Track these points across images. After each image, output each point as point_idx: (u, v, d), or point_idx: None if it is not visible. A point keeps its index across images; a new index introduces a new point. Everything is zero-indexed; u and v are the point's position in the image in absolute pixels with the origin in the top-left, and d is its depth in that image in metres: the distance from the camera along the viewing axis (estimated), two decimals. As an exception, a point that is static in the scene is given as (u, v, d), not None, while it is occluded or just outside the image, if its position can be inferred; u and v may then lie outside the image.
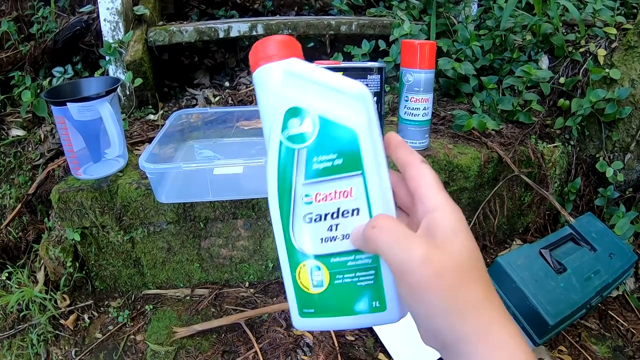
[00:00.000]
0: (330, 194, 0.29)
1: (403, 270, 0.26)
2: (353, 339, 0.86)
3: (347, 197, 0.29)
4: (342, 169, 0.29)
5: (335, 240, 0.30)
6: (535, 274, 0.88)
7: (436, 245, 0.26)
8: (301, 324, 0.32)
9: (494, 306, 0.26)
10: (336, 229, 0.30)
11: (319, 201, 0.30)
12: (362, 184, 0.29)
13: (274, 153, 0.30)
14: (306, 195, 0.30)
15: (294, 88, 0.29)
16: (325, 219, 0.30)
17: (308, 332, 0.87)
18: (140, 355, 0.87)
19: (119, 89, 1.04)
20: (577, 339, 0.99)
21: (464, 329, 0.25)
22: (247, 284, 0.95)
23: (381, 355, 0.84)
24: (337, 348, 0.84)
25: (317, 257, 0.30)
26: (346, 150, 0.29)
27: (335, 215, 0.30)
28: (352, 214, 0.30)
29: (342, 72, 0.82)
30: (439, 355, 0.91)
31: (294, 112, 0.29)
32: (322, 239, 0.30)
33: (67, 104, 0.82)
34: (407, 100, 0.89)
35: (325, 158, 0.29)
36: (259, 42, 0.31)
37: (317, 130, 0.29)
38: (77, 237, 0.90)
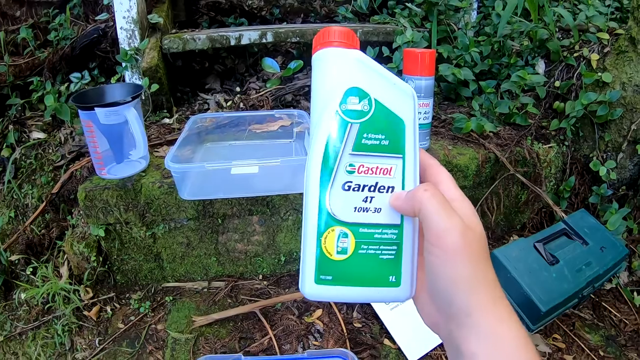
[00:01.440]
0: (372, 168, 0.34)
1: (442, 234, 0.29)
2: (360, 325, 0.97)
3: (386, 174, 0.34)
4: (387, 149, 0.34)
5: (367, 211, 0.34)
6: (530, 266, 0.99)
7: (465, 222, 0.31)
8: (314, 291, 0.34)
9: (499, 286, 0.31)
10: (370, 202, 0.34)
11: (361, 173, 0.34)
12: (401, 166, 0.34)
13: (327, 121, 0.33)
14: (350, 165, 0.33)
15: (360, 72, 0.34)
16: (362, 190, 0.34)
17: (317, 302, 0.97)
18: (162, 342, 0.98)
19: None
20: (571, 327, 1.10)
21: (477, 298, 0.29)
22: (260, 276, 1.05)
23: (386, 341, 0.95)
24: (346, 334, 0.94)
25: (348, 224, 0.34)
26: (393, 134, 0.34)
27: (372, 189, 0.34)
28: (387, 191, 0.34)
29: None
30: (439, 341, 1.02)
31: (354, 91, 0.34)
32: (355, 208, 0.34)
33: (95, 108, 0.93)
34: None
35: (374, 136, 0.34)
36: (330, 28, 0.36)
37: (372, 112, 0.34)
38: (102, 233, 1.00)
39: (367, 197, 0.34)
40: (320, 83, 0.35)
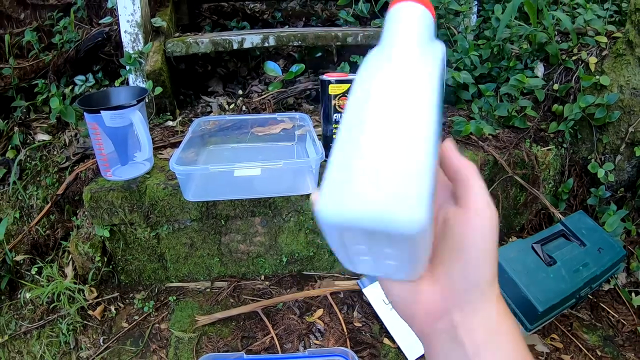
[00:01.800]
0: None
1: (486, 205, 0.30)
2: (360, 325, 0.99)
3: None
4: None
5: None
6: (527, 266, 1.01)
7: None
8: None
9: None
10: None
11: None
12: None
13: (437, 62, 0.29)
14: None
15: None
16: None
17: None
18: (165, 341, 1.00)
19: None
20: (569, 328, 1.12)
21: (495, 282, 0.30)
22: (262, 277, 1.08)
23: (386, 340, 0.97)
24: (346, 333, 0.96)
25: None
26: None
27: None
28: None
29: (349, 84, 0.96)
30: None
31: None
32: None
33: (101, 111, 0.96)
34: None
35: None
36: None
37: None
38: (107, 234, 1.03)
39: None
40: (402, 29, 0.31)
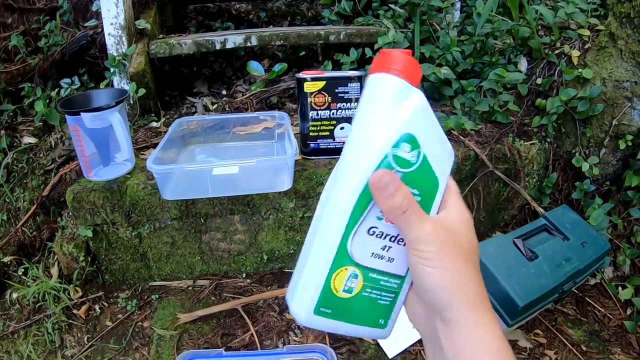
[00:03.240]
0: None
1: (417, 240, 0.32)
2: (340, 321, 1.01)
3: None
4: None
5: (382, 259, 0.35)
6: (507, 261, 1.03)
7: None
8: (312, 321, 0.35)
9: (483, 288, 0.33)
10: (387, 251, 0.35)
11: (389, 221, 0.34)
12: None
13: (374, 161, 0.32)
14: (381, 212, 0.33)
15: (419, 121, 0.33)
16: (384, 238, 0.34)
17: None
18: (147, 339, 1.03)
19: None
20: (554, 323, 1.13)
21: (458, 300, 0.32)
22: (244, 274, 1.10)
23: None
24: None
25: (362, 267, 0.35)
26: (427, 192, 0.34)
27: (393, 239, 0.35)
28: (404, 245, 0.35)
29: (325, 82, 0.98)
30: (417, 338, 1.07)
31: (409, 139, 0.32)
32: (373, 253, 0.35)
33: (81, 113, 0.99)
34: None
35: (412, 190, 0.33)
36: (394, 52, 0.34)
37: (418, 165, 0.33)
38: (90, 234, 1.06)
39: (385, 246, 0.35)
40: (375, 115, 0.33)
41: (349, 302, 0.35)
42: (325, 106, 0.98)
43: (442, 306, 0.32)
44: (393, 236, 0.34)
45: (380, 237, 0.34)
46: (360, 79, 0.98)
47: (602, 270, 1.24)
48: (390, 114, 0.33)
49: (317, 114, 0.99)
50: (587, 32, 1.27)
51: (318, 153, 1.04)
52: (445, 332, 0.32)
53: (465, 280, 0.32)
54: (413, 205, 0.32)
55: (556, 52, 1.29)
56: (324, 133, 1.01)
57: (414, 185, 0.33)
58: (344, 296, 0.35)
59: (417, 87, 0.34)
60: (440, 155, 0.35)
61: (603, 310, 1.19)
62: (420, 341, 0.99)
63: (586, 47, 1.27)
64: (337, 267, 0.34)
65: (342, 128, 1.01)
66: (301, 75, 0.97)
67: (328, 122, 1.00)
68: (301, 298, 0.35)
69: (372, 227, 0.34)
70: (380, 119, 0.33)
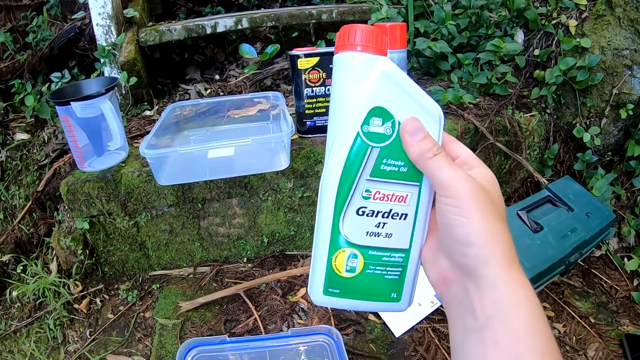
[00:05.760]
0: (388, 195, 0.33)
1: (451, 183, 0.31)
2: (344, 301, 0.99)
3: (401, 202, 0.34)
4: (405, 176, 0.33)
5: (379, 236, 0.35)
6: (512, 233, 1.00)
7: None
8: (323, 300, 0.36)
9: (514, 249, 0.31)
10: (382, 227, 0.34)
11: (377, 199, 0.33)
12: (417, 194, 0.34)
13: (347, 142, 0.32)
14: (366, 191, 0.33)
15: (387, 90, 0.32)
16: (376, 215, 0.34)
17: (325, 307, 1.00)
18: (150, 329, 1.01)
19: (115, 89, 1.18)
20: (561, 296, 1.11)
21: (494, 252, 0.29)
22: (245, 259, 1.08)
23: (371, 316, 0.97)
24: (330, 311, 0.97)
25: (358, 246, 0.35)
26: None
27: (386, 215, 0.34)
28: (400, 218, 0.34)
29: (318, 57, 0.95)
30: (424, 315, 1.03)
31: (379, 112, 0.32)
32: (367, 232, 0.34)
33: (71, 103, 0.96)
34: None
35: (393, 162, 0.33)
36: (355, 27, 0.32)
37: (395, 136, 0.32)
38: (86, 226, 1.03)
39: (379, 223, 0.34)
40: (342, 95, 0.33)
41: (354, 280, 0.36)
42: (320, 82, 0.95)
43: (476, 263, 0.29)
44: (385, 212, 0.34)
45: (372, 216, 0.34)
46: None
47: (607, 241, 1.22)
48: (354, 90, 0.32)
49: (312, 91, 0.96)
50: (583, 1, 1.24)
51: (315, 131, 1.01)
52: (478, 292, 0.29)
53: (500, 234, 0.30)
54: (443, 151, 0.32)
55: (553, 22, 1.26)
56: (319, 110, 0.98)
57: (398, 157, 0.33)
58: (348, 275, 0.35)
59: (384, 55, 0.32)
60: (422, 119, 0.33)
61: (610, 282, 1.17)
62: (427, 318, 0.97)
63: (583, 16, 1.24)
64: (334, 249, 0.35)
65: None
66: (294, 52, 0.94)
67: (324, 99, 0.97)
68: (312, 280, 0.36)
69: (360, 207, 0.34)
70: (346, 99, 0.32)
